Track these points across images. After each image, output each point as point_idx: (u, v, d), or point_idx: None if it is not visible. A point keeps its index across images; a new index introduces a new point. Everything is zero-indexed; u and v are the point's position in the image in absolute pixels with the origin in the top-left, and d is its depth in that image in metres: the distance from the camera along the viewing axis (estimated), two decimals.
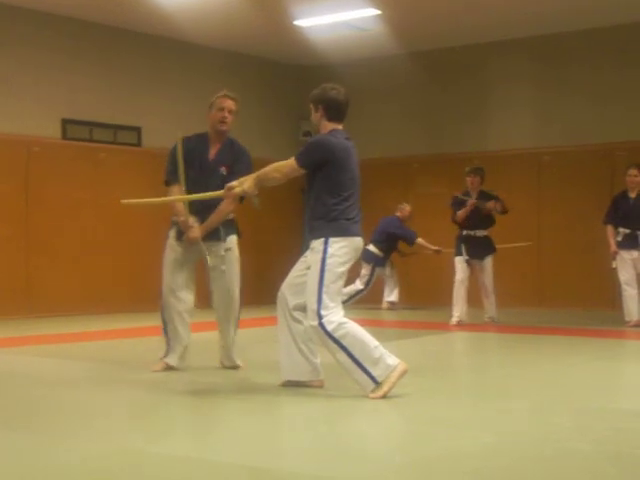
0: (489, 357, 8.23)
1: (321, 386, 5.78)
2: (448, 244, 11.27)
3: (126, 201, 6.34)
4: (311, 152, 5.63)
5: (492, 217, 10.63)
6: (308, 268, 5.62)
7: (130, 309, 12.11)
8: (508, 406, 5.34)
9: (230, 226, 6.64)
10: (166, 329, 6.64)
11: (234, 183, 5.73)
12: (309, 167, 5.61)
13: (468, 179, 10.66)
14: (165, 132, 13.04)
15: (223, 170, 6.51)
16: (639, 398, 5.78)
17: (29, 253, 11.67)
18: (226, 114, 6.56)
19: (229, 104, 6.59)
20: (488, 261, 10.59)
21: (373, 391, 5.38)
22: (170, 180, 6.60)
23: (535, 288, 13.10)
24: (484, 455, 4.11)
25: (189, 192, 6.30)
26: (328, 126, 5.76)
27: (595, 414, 5.08)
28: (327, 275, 5.48)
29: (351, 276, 12.02)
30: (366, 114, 14.45)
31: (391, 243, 12.75)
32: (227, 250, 6.58)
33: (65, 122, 12.19)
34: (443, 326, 10.38)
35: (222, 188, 5.81)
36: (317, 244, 5.58)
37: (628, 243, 10.22)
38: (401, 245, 12.88)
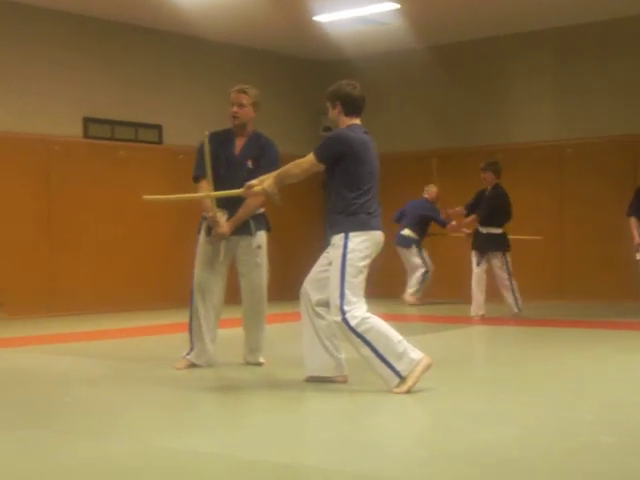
0: (511, 351, 8.21)
1: (345, 381, 5.79)
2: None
3: (148, 197, 6.37)
4: (329, 146, 5.67)
5: (506, 213, 10.62)
6: (330, 264, 5.63)
7: (151, 307, 12.15)
8: (531, 399, 5.33)
9: (260, 221, 6.65)
10: (191, 325, 6.66)
11: (254, 182, 5.77)
12: (328, 161, 5.64)
13: (481, 175, 10.69)
14: (186, 130, 13.11)
15: (249, 164, 6.53)
16: None
17: (51, 252, 11.72)
18: (235, 109, 6.61)
19: (238, 98, 6.64)
20: (497, 257, 10.58)
21: (397, 386, 5.38)
22: (198, 176, 6.61)
23: (557, 281, 13.04)
24: (508, 448, 4.11)
25: (217, 188, 6.30)
26: (346, 121, 5.79)
27: (618, 407, 5.07)
28: (348, 270, 5.49)
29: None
30: (385, 108, 14.43)
31: (423, 226, 12.67)
32: (258, 247, 6.58)
33: (86, 120, 12.23)
34: (465, 320, 10.37)
35: (249, 181, 5.84)
36: (337, 239, 5.59)
37: None
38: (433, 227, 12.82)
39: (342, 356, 5.82)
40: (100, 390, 5.90)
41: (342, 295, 5.46)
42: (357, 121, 5.83)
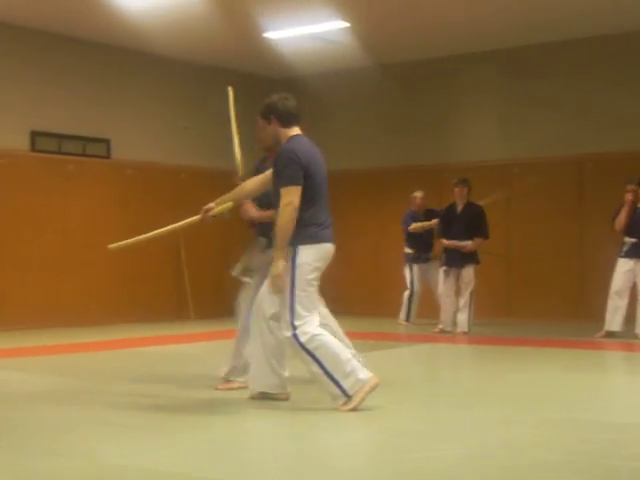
0: (459, 369, 8.25)
1: (287, 399, 5.78)
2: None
3: (114, 245, 6.20)
4: (290, 169, 5.48)
5: (478, 228, 10.77)
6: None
7: (101, 322, 12.05)
8: (478, 417, 5.36)
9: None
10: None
11: (211, 204, 5.77)
12: (301, 180, 5.46)
13: (455, 190, 10.85)
14: (134, 144, 13.06)
15: None
16: (606, 409, 5.81)
17: None
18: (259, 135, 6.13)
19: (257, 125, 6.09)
20: (469, 270, 10.74)
21: (344, 404, 5.38)
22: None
23: (504, 299, 13.13)
24: (454, 467, 4.12)
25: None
26: (286, 133, 5.69)
27: (563, 425, 5.11)
28: (298, 284, 5.44)
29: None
30: (336, 126, 14.49)
31: (412, 239, 11.91)
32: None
33: (34, 134, 12.12)
34: (417, 337, 10.45)
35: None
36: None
37: (633, 252, 10.08)
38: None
39: (286, 374, 5.81)
40: (44, 407, 5.81)
41: (292, 310, 5.43)
42: (297, 130, 5.72)
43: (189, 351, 9.34)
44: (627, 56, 12.45)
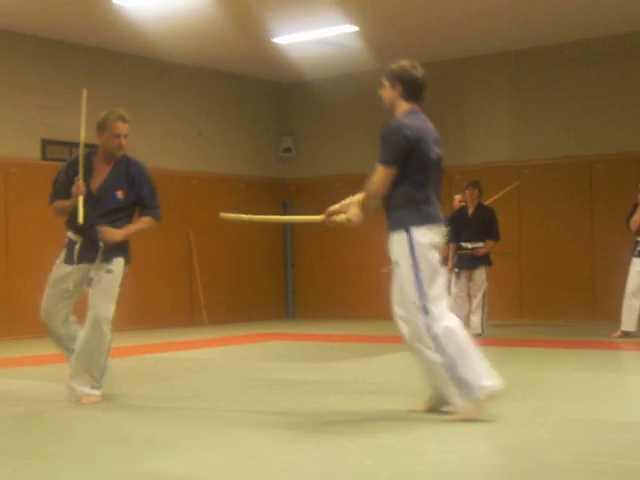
0: None
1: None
2: None
3: (227, 215, 5.88)
4: (392, 147, 5.25)
5: (490, 230, 10.75)
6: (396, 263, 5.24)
7: (114, 328, 12.07)
8: (492, 418, 5.34)
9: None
10: None
11: (336, 207, 5.43)
12: (399, 162, 5.23)
13: (467, 192, 10.83)
14: (146, 151, 13.08)
15: (119, 194, 6.23)
16: (620, 409, 5.79)
17: (9, 274, 11.62)
18: (122, 141, 6.31)
19: (124, 129, 6.31)
20: (481, 272, 10.74)
21: (459, 411, 5.12)
22: None
23: (516, 300, 13.11)
24: (465, 469, 4.11)
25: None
26: (404, 106, 5.44)
27: (578, 425, 5.10)
28: (422, 267, 5.13)
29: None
30: (345, 130, 14.51)
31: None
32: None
33: (45, 142, 12.16)
34: None
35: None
36: (398, 235, 5.23)
37: None
38: None
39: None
40: (63, 414, 5.83)
41: (421, 293, 5.12)
42: (416, 107, 5.46)
43: (203, 357, 9.35)
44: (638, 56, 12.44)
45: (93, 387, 6.11)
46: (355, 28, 11.91)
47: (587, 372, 7.60)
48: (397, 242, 5.24)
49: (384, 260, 13.70)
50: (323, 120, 14.92)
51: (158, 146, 13.42)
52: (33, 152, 12.05)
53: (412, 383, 6.19)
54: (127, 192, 6.24)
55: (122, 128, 6.28)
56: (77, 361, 6.12)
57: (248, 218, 5.90)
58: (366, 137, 14.57)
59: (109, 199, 6.20)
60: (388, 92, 5.45)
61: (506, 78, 13.44)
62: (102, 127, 6.28)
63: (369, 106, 14.55)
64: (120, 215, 6.20)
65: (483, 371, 5.11)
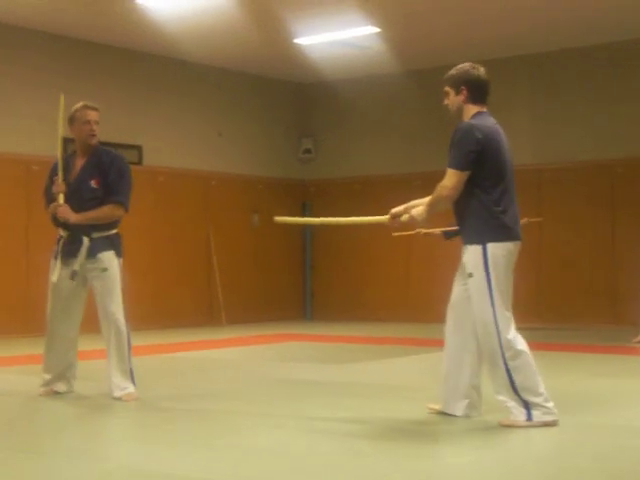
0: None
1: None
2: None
3: (280, 218, 5.92)
4: (463, 150, 5.09)
5: None
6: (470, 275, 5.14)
7: (132, 328, 12.10)
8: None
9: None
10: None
11: (400, 208, 5.39)
12: (471, 166, 5.06)
13: None
14: (166, 150, 13.13)
15: (93, 183, 6.37)
16: (638, 414, 5.76)
17: (29, 272, 11.67)
18: (93, 126, 6.52)
19: (93, 115, 6.51)
20: None
21: (513, 421, 5.04)
22: None
23: (533, 304, 13.04)
24: (483, 473, 4.10)
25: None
26: (472, 109, 5.27)
27: (596, 430, 5.08)
28: (495, 284, 5.05)
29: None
30: (365, 131, 14.50)
31: None
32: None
33: (66, 141, 12.16)
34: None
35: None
36: (473, 250, 5.10)
37: None
38: None
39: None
40: (81, 411, 5.84)
41: (495, 316, 5.10)
42: (484, 109, 5.29)
43: (221, 357, 9.36)
44: None
45: (130, 384, 6.18)
46: (377, 30, 11.90)
47: (607, 377, 7.56)
48: (472, 254, 5.12)
49: (403, 262, 13.62)
50: (344, 122, 14.91)
51: (178, 146, 13.45)
52: (54, 150, 12.07)
53: (429, 385, 6.18)
54: (101, 180, 6.35)
55: (92, 114, 6.49)
56: (111, 361, 6.26)
57: (304, 221, 5.86)
58: (387, 139, 14.58)
59: (84, 189, 6.37)
60: (453, 99, 5.29)
61: (528, 81, 13.40)
62: (72, 119, 6.57)
63: (390, 108, 14.58)
64: (96, 204, 6.31)
65: (544, 395, 5.09)
